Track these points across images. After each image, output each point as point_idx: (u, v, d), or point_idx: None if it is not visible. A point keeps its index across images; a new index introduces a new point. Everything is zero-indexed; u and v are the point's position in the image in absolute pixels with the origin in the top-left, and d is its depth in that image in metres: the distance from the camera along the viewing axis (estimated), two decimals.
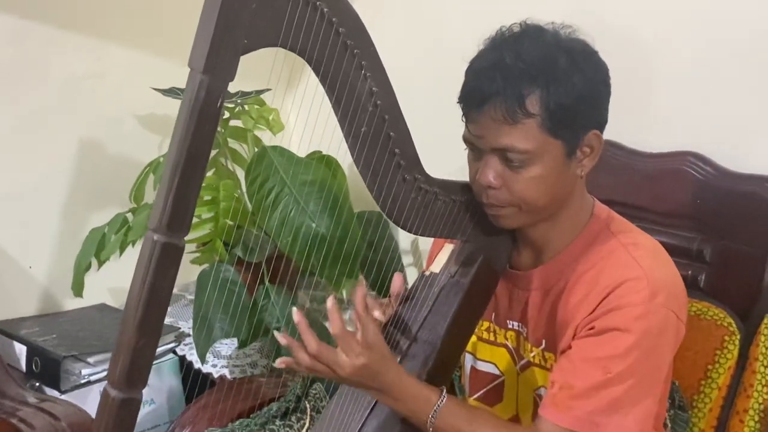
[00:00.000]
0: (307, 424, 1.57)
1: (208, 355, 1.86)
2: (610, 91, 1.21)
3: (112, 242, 1.94)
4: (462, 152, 1.25)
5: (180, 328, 2.09)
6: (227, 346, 2.00)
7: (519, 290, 1.32)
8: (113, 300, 2.21)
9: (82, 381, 1.89)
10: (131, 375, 1.04)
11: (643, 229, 1.29)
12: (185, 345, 2.07)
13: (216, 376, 1.95)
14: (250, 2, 0.97)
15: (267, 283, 1.86)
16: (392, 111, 1.15)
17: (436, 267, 1.32)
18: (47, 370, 1.90)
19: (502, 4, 1.68)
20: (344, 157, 1.87)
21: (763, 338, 1.46)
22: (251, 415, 1.62)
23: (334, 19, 1.06)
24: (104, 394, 1.06)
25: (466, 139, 1.22)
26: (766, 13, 1.61)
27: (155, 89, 1.96)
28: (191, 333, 1.86)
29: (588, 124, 1.19)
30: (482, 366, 1.41)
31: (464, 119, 1.21)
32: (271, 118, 2.09)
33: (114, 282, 2.14)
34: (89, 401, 1.85)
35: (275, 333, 1.15)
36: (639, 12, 1.75)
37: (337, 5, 1.06)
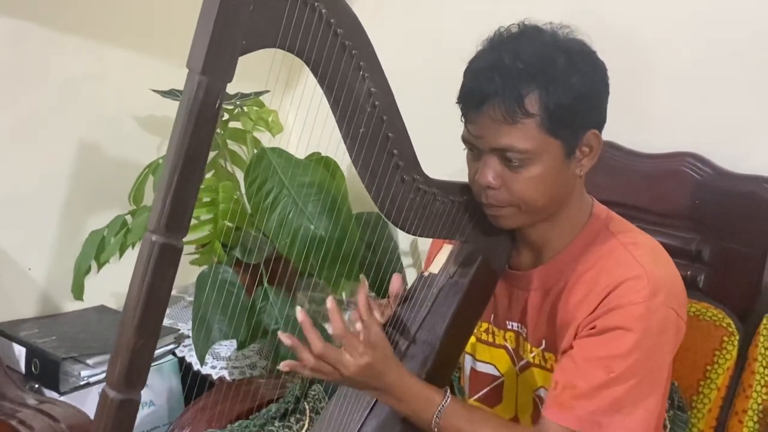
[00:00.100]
0: (306, 425, 1.57)
1: (207, 356, 1.85)
2: (608, 91, 1.21)
3: (112, 244, 1.94)
4: (461, 153, 1.26)
5: (179, 330, 2.09)
6: (226, 347, 2.00)
7: (518, 290, 1.32)
8: (113, 302, 2.21)
9: (82, 383, 1.89)
10: (130, 376, 1.04)
11: (642, 230, 1.29)
12: (184, 346, 2.07)
13: (215, 377, 1.95)
14: (248, 3, 0.98)
15: (266, 284, 1.86)
16: (391, 112, 1.15)
17: (435, 268, 1.32)
18: (46, 371, 1.90)
19: (501, 4, 1.69)
20: (343, 159, 1.87)
21: (762, 338, 1.46)
22: (250, 417, 1.62)
23: (332, 20, 1.06)
24: (103, 395, 1.06)
25: (465, 140, 1.22)
26: (765, 13, 1.61)
27: (154, 91, 1.96)
28: (190, 334, 1.86)
29: (587, 123, 1.19)
30: (482, 367, 1.41)
31: (463, 120, 1.21)
32: (270, 119, 2.09)
33: (113, 284, 2.14)
34: (88, 403, 1.85)
35: (279, 333, 1.15)
36: (638, 12, 1.75)
37: (335, 6, 1.06)
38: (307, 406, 1.61)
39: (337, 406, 1.31)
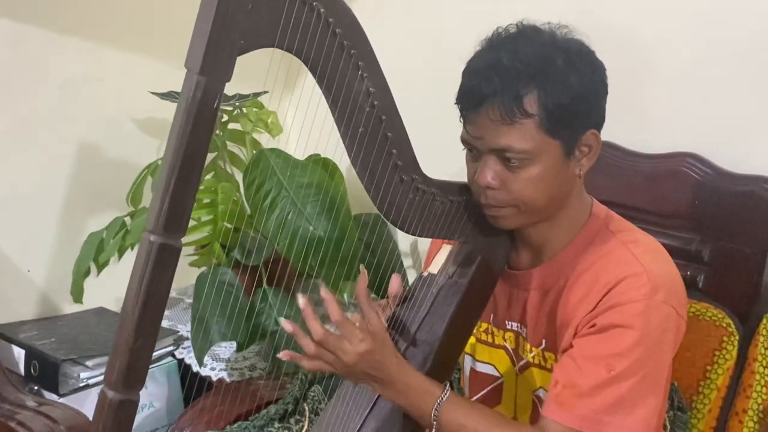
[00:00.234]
0: (305, 427, 1.57)
1: (206, 358, 1.85)
2: (607, 91, 1.21)
3: (111, 246, 1.94)
4: (461, 154, 1.25)
5: (178, 332, 2.09)
6: (226, 349, 2.00)
7: (518, 290, 1.32)
8: (112, 304, 2.21)
9: (81, 384, 1.89)
10: (128, 376, 1.04)
11: (642, 230, 1.29)
12: (184, 348, 2.06)
13: (215, 379, 1.94)
14: (246, 3, 0.97)
15: (265, 286, 1.86)
16: (389, 111, 1.15)
17: (434, 268, 1.32)
18: (46, 373, 1.90)
19: (501, 4, 1.69)
20: (342, 160, 1.87)
21: (761, 339, 1.46)
22: (249, 418, 1.62)
23: (330, 20, 1.06)
24: (101, 396, 1.05)
25: (464, 140, 1.22)
26: (765, 13, 1.61)
27: (153, 93, 1.96)
28: (190, 336, 1.86)
29: (586, 123, 1.19)
30: (481, 367, 1.41)
31: (462, 120, 1.21)
32: (269, 120, 2.09)
33: (112, 286, 2.13)
34: (88, 404, 1.85)
35: (281, 320, 1.14)
36: (637, 12, 1.75)
37: (334, 6, 1.06)
38: (306, 407, 1.61)
39: (336, 407, 1.30)
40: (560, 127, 1.15)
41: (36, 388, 1.91)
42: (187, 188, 1.00)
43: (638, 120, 1.72)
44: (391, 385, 1.17)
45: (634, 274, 1.17)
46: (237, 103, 1.97)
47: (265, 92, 1.99)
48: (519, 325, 1.33)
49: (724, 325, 1.49)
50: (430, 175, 1.23)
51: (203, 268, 1.93)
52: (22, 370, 1.94)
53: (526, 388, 1.35)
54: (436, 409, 1.16)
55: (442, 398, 1.17)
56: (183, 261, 1.95)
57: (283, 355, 1.15)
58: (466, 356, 1.43)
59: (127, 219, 1.98)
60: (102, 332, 2.03)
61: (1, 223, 2.00)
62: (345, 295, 1.90)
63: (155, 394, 2.03)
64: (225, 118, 2.04)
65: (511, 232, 1.30)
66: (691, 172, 1.61)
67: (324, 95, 1.12)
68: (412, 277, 2.11)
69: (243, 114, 2.04)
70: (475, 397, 1.42)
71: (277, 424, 1.59)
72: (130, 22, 2.12)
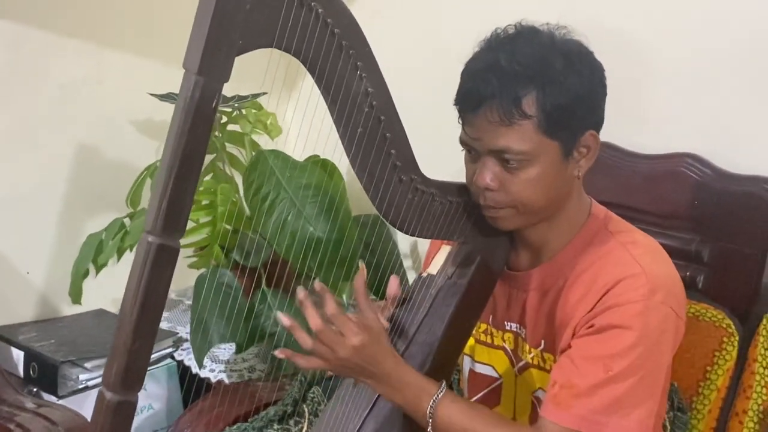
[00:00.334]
0: (305, 428, 1.57)
1: (206, 359, 1.85)
2: (606, 92, 1.21)
3: (110, 247, 1.94)
4: (460, 154, 1.25)
5: (178, 333, 2.09)
6: (225, 350, 2.00)
7: (517, 291, 1.32)
8: (111, 306, 2.21)
9: (80, 386, 1.89)
10: (127, 377, 1.03)
11: (642, 231, 1.29)
12: (183, 350, 2.06)
13: (214, 380, 1.94)
14: (244, 3, 0.97)
15: (264, 287, 1.86)
16: (388, 112, 1.15)
17: (433, 269, 1.32)
18: (45, 375, 1.90)
19: (499, 4, 1.69)
20: (342, 161, 1.87)
21: (761, 339, 1.46)
22: (248, 420, 1.62)
23: (329, 20, 1.06)
24: (100, 397, 1.05)
25: (462, 142, 1.22)
26: (765, 13, 1.61)
27: (152, 94, 1.96)
28: (189, 338, 1.86)
29: (584, 124, 1.18)
30: (480, 368, 1.41)
31: (460, 121, 1.20)
32: (268, 122, 2.09)
33: (112, 287, 2.13)
34: (87, 406, 1.84)
35: (278, 314, 1.14)
36: (636, 13, 1.75)
37: (332, 6, 1.06)
38: (306, 409, 1.61)
39: (335, 408, 1.30)
40: (559, 128, 1.15)
41: (35, 389, 1.91)
42: (186, 189, 1.00)
43: (637, 121, 1.72)
44: (387, 382, 1.16)
45: (633, 274, 1.17)
46: (236, 105, 1.97)
47: (265, 93, 1.99)
48: (518, 326, 1.33)
49: (724, 325, 1.49)
50: (429, 176, 1.23)
51: (202, 270, 1.93)
52: (21, 371, 1.94)
53: (525, 389, 1.35)
54: (431, 407, 1.16)
55: (437, 396, 1.17)
56: (182, 262, 1.96)
57: (279, 352, 1.14)
58: (465, 357, 1.43)
59: (127, 220, 1.98)
60: (101, 334, 2.03)
61: (1, 225, 2.00)
62: (344, 296, 1.90)
63: (154, 396, 2.03)
64: (224, 119, 2.04)
65: (511, 233, 1.30)
66: (691, 173, 1.61)
67: (323, 95, 1.12)
68: (411, 278, 2.11)
69: (242, 115, 2.04)
70: (473, 398, 1.42)
71: (276, 426, 1.58)
72: (130, 24, 2.12)
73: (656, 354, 1.16)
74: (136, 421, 1.09)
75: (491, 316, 1.37)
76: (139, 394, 1.07)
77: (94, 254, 1.96)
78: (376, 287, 1.86)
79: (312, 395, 1.63)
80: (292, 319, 1.12)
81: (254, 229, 1.86)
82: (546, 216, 1.24)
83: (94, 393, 1.89)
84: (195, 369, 1.95)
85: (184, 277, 2.13)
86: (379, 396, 1.22)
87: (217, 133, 2.01)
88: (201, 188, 1.95)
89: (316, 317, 1.11)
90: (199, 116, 0.97)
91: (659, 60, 1.73)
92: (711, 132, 1.67)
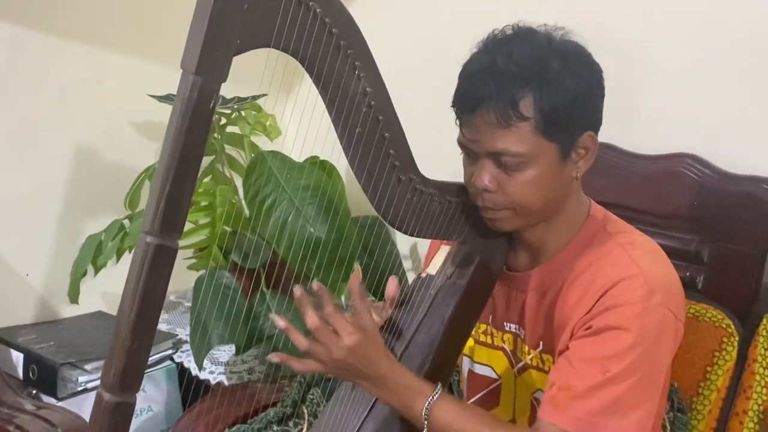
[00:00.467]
0: (305, 429, 1.57)
1: (205, 361, 1.85)
2: (604, 93, 1.20)
3: (109, 248, 1.94)
4: (459, 155, 1.25)
5: (177, 335, 2.09)
6: (225, 352, 2.00)
7: (516, 292, 1.32)
8: (110, 308, 2.21)
9: (79, 388, 1.89)
10: (125, 378, 1.03)
11: (641, 231, 1.29)
12: (182, 352, 2.06)
13: (213, 382, 1.94)
14: (242, 3, 0.97)
15: (264, 288, 1.86)
16: (387, 112, 1.15)
17: (433, 269, 1.32)
18: (44, 377, 1.90)
19: (498, 5, 1.69)
20: (341, 162, 1.87)
21: (761, 339, 1.46)
22: (248, 421, 1.61)
23: (327, 20, 1.05)
24: (98, 398, 1.05)
25: (460, 143, 1.21)
26: (764, 13, 1.61)
27: (151, 96, 1.96)
28: (188, 340, 1.85)
29: (582, 126, 1.18)
30: (479, 369, 1.41)
31: (458, 123, 1.20)
32: (268, 123, 2.09)
33: (111, 289, 2.14)
34: (86, 408, 1.84)
35: (272, 316, 1.13)
36: (634, 13, 1.75)
37: (330, 5, 1.06)
38: (305, 410, 1.61)
39: (334, 409, 1.30)
40: (556, 129, 1.15)
41: (34, 392, 1.92)
42: (184, 189, 0.99)
43: (637, 121, 1.72)
44: (382, 383, 1.16)
45: (631, 276, 1.16)
46: (235, 106, 1.97)
47: (264, 95, 1.99)
48: (517, 326, 1.33)
49: (724, 325, 1.49)
50: (428, 176, 1.22)
51: (202, 271, 1.93)
52: (20, 374, 1.94)
53: (524, 390, 1.35)
54: (426, 408, 1.15)
55: (433, 397, 1.16)
56: (182, 264, 1.96)
57: (273, 356, 1.14)
58: (465, 358, 1.43)
59: (126, 222, 1.98)
60: (100, 336, 2.03)
61: (1, 226, 1.99)
62: (343, 297, 1.89)
63: (154, 398, 2.03)
64: (223, 121, 2.04)
65: (509, 234, 1.30)
66: (690, 173, 1.61)
67: (321, 95, 1.12)
68: (411, 279, 2.11)
69: (241, 117, 2.04)
70: (472, 400, 1.42)
71: (275, 427, 1.58)
72: (130, 25, 2.13)
73: (654, 355, 1.16)
74: (136, 423, 1.09)
75: (491, 317, 1.36)
76: (138, 396, 1.07)
77: (94, 255, 1.96)
78: (375, 288, 1.86)
79: (311, 397, 1.62)
80: (286, 321, 1.12)
81: (253, 230, 1.86)
82: (544, 217, 1.23)
83: (93, 395, 1.86)
84: (194, 371, 1.94)
85: (183, 279, 2.13)
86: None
87: (216, 135, 2.01)
88: (200, 190, 1.95)
89: (313, 315, 1.11)
90: (197, 116, 0.97)
91: (659, 60, 1.73)
92: (710, 132, 1.67)
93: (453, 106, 1.19)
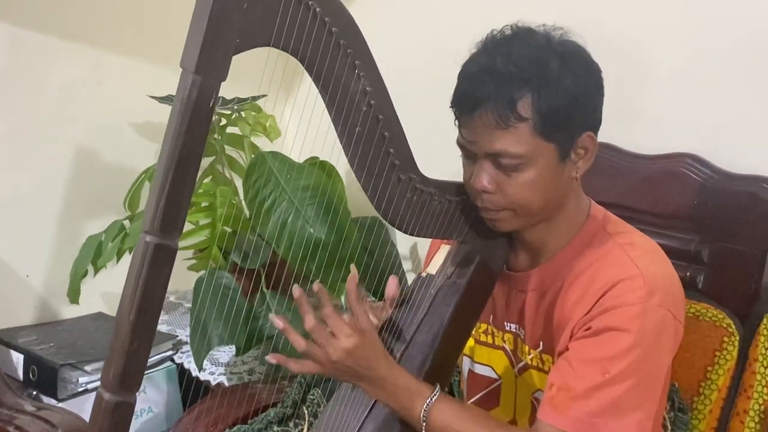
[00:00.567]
0: (305, 430, 1.56)
1: (206, 362, 1.85)
2: (603, 93, 1.20)
3: (109, 249, 1.94)
4: (459, 155, 1.25)
5: (177, 336, 2.09)
6: (225, 353, 2.00)
7: (516, 291, 1.31)
8: (111, 309, 2.21)
9: (80, 389, 1.89)
10: (125, 378, 1.03)
11: (641, 231, 1.28)
12: (183, 353, 2.06)
13: (214, 383, 1.94)
14: (241, 2, 0.97)
15: (264, 289, 1.85)
16: (386, 111, 1.15)
17: (433, 268, 1.32)
18: (44, 378, 1.90)
19: (498, 4, 1.69)
20: (340, 163, 1.87)
21: (762, 339, 1.46)
22: (248, 422, 1.61)
23: (326, 19, 1.05)
24: (98, 398, 1.05)
25: (459, 144, 1.21)
26: (764, 13, 1.61)
27: (151, 97, 1.96)
28: (189, 341, 1.85)
29: (581, 126, 1.18)
30: (479, 369, 1.41)
31: (457, 124, 1.20)
32: (267, 124, 2.09)
33: (111, 291, 2.14)
34: (86, 409, 1.84)
35: (271, 316, 1.13)
36: (634, 13, 1.75)
37: (330, 5, 1.06)
38: (306, 411, 1.60)
39: (334, 409, 1.30)
40: (555, 130, 1.14)
41: (35, 393, 1.92)
42: (183, 188, 0.99)
43: (636, 121, 1.72)
44: (380, 385, 1.15)
45: (630, 277, 1.16)
46: (235, 107, 1.97)
47: (264, 95, 1.99)
48: (517, 326, 1.33)
49: (725, 325, 1.49)
50: (427, 176, 1.22)
51: (201, 272, 1.93)
52: (20, 375, 1.94)
53: (525, 390, 1.34)
54: (425, 410, 1.15)
55: (431, 399, 1.16)
56: (182, 265, 1.95)
57: (270, 357, 1.14)
58: (465, 358, 1.42)
59: (126, 222, 1.98)
60: (101, 337, 2.03)
61: (0, 228, 1.99)
62: (342, 298, 1.89)
63: (154, 399, 2.03)
64: (223, 122, 2.04)
65: (509, 233, 1.30)
66: (690, 173, 1.61)
67: (321, 94, 1.11)
68: (411, 280, 2.11)
69: (241, 118, 2.04)
70: (472, 400, 1.41)
71: (276, 428, 1.58)
72: (130, 26, 2.13)
73: (654, 356, 1.16)
74: (136, 424, 1.09)
75: (492, 316, 1.36)
76: (138, 397, 1.07)
77: (94, 256, 1.96)
78: (375, 289, 1.86)
79: (312, 397, 1.62)
80: (285, 321, 1.12)
81: (253, 230, 1.86)
82: (544, 217, 1.23)
83: (93, 396, 1.88)
84: (195, 372, 1.94)
85: (183, 281, 2.13)
86: None
87: (216, 136, 2.01)
88: (200, 190, 1.95)
89: (310, 316, 1.11)
90: (197, 115, 0.97)
91: (658, 60, 1.73)
92: (710, 132, 1.66)
93: (452, 106, 1.19)
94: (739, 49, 1.63)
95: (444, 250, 1.33)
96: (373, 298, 1.85)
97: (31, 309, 2.11)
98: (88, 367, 1.90)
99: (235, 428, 1.59)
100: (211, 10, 0.94)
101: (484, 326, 1.38)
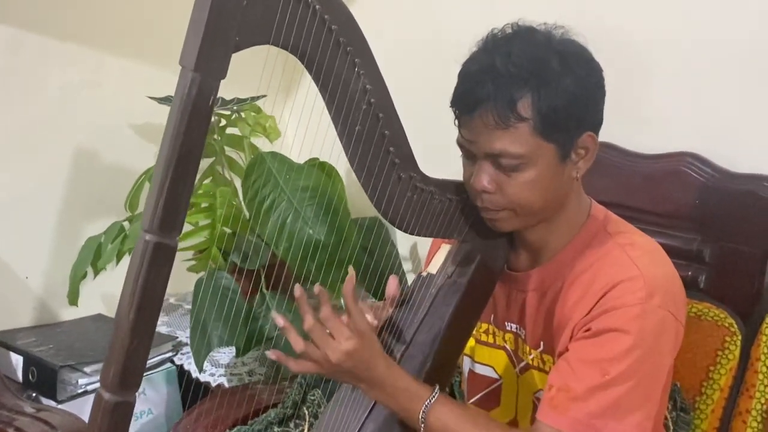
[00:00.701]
0: (305, 430, 1.56)
1: (206, 363, 1.84)
2: (604, 92, 1.19)
3: (109, 251, 1.94)
4: (459, 154, 1.25)
5: (177, 337, 2.08)
6: (225, 354, 1.99)
7: (516, 291, 1.31)
8: (110, 310, 2.20)
9: (79, 391, 1.89)
10: (124, 377, 1.03)
11: (643, 231, 1.28)
12: (183, 354, 2.06)
13: (214, 384, 1.94)
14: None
15: (264, 290, 1.85)
16: (386, 109, 1.14)
17: (433, 268, 1.31)
18: (44, 380, 1.90)
19: (498, 4, 1.68)
20: (340, 163, 1.86)
21: (764, 338, 1.45)
22: (248, 422, 1.61)
23: (326, 17, 1.05)
24: (97, 397, 1.04)
25: (459, 144, 1.21)
26: (764, 13, 1.61)
27: (151, 98, 1.96)
28: (189, 342, 1.85)
29: (582, 126, 1.17)
30: (480, 369, 1.40)
31: (457, 124, 1.19)
32: (267, 125, 2.09)
33: (110, 292, 2.14)
34: (86, 411, 1.83)
35: (273, 314, 1.13)
36: (635, 12, 1.75)
37: (329, 2, 1.05)
38: (306, 412, 1.60)
39: (335, 410, 1.29)
40: (555, 130, 1.14)
41: (34, 394, 1.91)
42: (183, 186, 0.99)
43: (637, 120, 1.71)
44: (379, 387, 1.15)
45: (630, 277, 1.15)
46: (235, 108, 1.97)
47: (264, 96, 1.98)
48: (518, 326, 1.32)
49: (726, 325, 1.48)
50: (428, 175, 1.22)
51: (201, 273, 1.93)
52: (20, 376, 1.94)
53: (526, 390, 1.34)
54: (423, 412, 1.15)
55: (430, 400, 1.15)
56: (181, 266, 1.95)
57: (271, 353, 1.13)
58: (465, 358, 1.42)
59: (126, 224, 1.97)
60: (100, 338, 2.03)
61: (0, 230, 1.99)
62: (342, 299, 1.89)
63: (154, 401, 2.02)
64: (223, 122, 2.03)
65: (510, 233, 1.29)
66: (691, 172, 1.61)
67: (320, 93, 1.11)
68: (411, 280, 2.11)
69: (241, 118, 2.04)
70: (472, 400, 1.41)
71: (276, 429, 1.57)
72: (129, 27, 2.13)
73: (654, 357, 1.15)
74: (136, 425, 1.09)
75: (492, 316, 1.36)
76: (138, 398, 1.07)
77: (93, 258, 1.96)
78: (375, 289, 1.85)
79: (312, 398, 1.62)
80: (286, 321, 1.11)
81: (252, 230, 1.86)
82: (544, 217, 1.23)
83: (93, 397, 1.88)
84: (195, 373, 1.94)
85: (183, 282, 2.13)
86: None
87: (216, 137, 2.01)
88: (200, 191, 1.95)
89: (309, 317, 1.11)
90: (196, 113, 0.96)
91: (659, 59, 1.72)
92: (711, 131, 1.66)
93: (452, 106, 1.19)
94: (739, 49, 1.63)
95: (444, 249, 1.33)
96: (373, 299, 1.85)
97: (30, 310, 2.11)
98: (87, 369, 1.90)
99: (235, 429, 1.59)
100: (210, 7, 0.94)
101: (485, 326, 1.37)
